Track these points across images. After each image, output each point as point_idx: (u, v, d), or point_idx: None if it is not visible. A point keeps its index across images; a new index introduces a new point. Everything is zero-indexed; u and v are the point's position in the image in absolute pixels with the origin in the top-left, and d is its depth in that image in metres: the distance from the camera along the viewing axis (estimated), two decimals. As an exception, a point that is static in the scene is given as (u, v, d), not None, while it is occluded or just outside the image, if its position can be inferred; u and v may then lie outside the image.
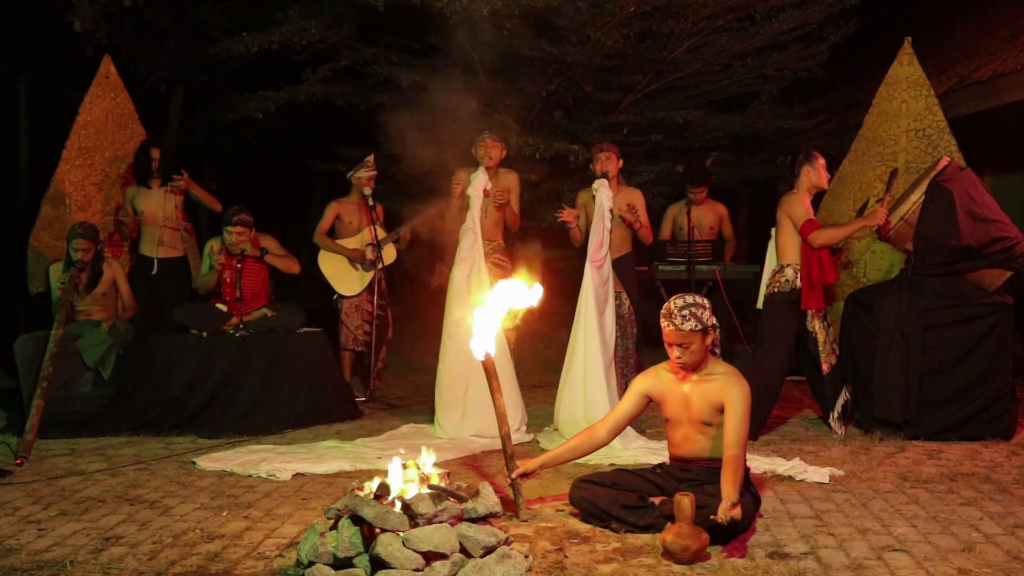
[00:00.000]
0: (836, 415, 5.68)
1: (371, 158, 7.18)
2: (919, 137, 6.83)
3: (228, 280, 6.33)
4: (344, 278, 7.17)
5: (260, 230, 6.54)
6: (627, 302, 6.33)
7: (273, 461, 5.05)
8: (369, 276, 7.13)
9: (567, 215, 6.31)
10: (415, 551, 3.23)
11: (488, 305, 4.17)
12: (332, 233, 7.23)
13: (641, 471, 4.17)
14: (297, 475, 4.85)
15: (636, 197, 6.48)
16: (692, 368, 3.96)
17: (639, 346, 6.72)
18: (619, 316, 6.18)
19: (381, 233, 7.07)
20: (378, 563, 3.22)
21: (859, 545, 3.67)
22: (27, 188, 9.48)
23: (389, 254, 7.19)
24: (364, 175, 7.10)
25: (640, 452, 5.19)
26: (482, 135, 6.29)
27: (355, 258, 7.13)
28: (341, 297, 7.18)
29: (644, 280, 7.41)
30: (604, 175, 6.17)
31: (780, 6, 8.44)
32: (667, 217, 7.91)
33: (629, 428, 4.99)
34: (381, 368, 7.44)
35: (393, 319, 7.39)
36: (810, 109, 9.54)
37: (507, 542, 3.45)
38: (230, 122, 9.50)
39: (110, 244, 7.17)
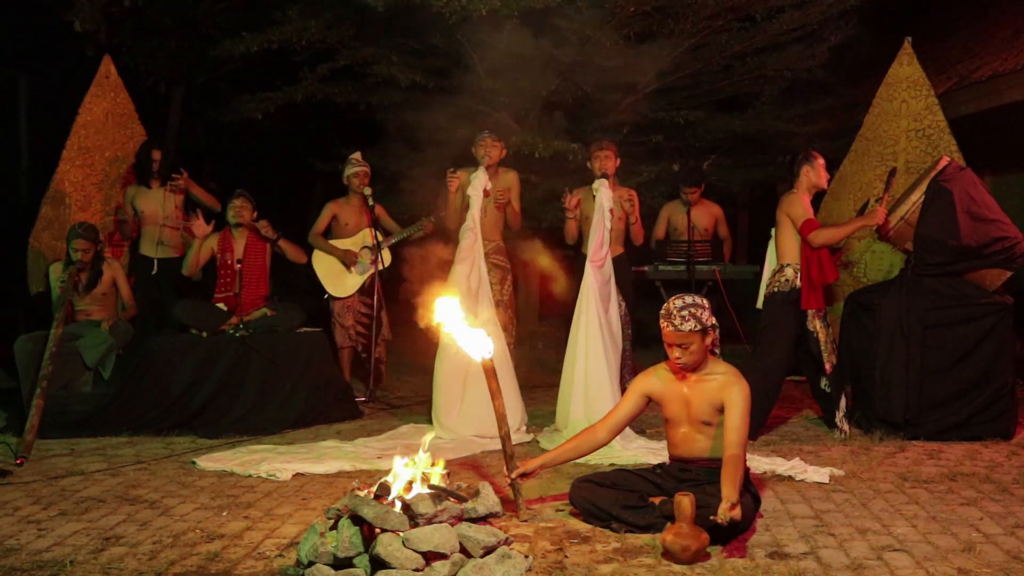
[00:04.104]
0: (842, 414, 5.67)
1: (357, 155, 7.17)
2: (919, 137, 6.83)
3: (228, 263, 6.36)
4: (337, 279, 7.16)
5: None
6: (622, 303, 6.33)
7: (273, 461, 5.05)
8: (363, 278, 7.11)
9: (570, 200, 6.31)
10: (415, 551, 3.23)
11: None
12: (329, 234, 7.21)
13: (641, 471, 4.17)
14: (297, 475, 4.86)
15: (632, 194, 6.51)
16: (692, 368, 3.96)
17: (634, 347, 6.73)
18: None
19: (381, 236, 7.06)
20: (378, 563, 3.22)
21: (859, 545, 3.67)
22: (27, 188, 9.48)
23: (385, 257, 7.18)
24: (350, 172, 7.10)
25: (640, 452, 5.19)
26: (482, 135, 6.29)
27: (347, 260, 7.10)
28: (332, 297, 7.17)
29: (639, 280, 7.42)
30: (603, 174, 6.18)
31: (780, 7, 8.43)
32: (661, 217, 7.90)
33: (629, 428, 4.99)
34: (381, 366, 7.44)
35: (390, 320, 7.38)
36: (810, 110, 9.54)
37: (507, 542, 3.45)
38: (230, 122, 9.50)
39: (110, 244, 7.18)
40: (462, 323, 4.14)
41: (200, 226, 6.41)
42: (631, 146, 8.85)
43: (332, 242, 7.15)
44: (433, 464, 3.69)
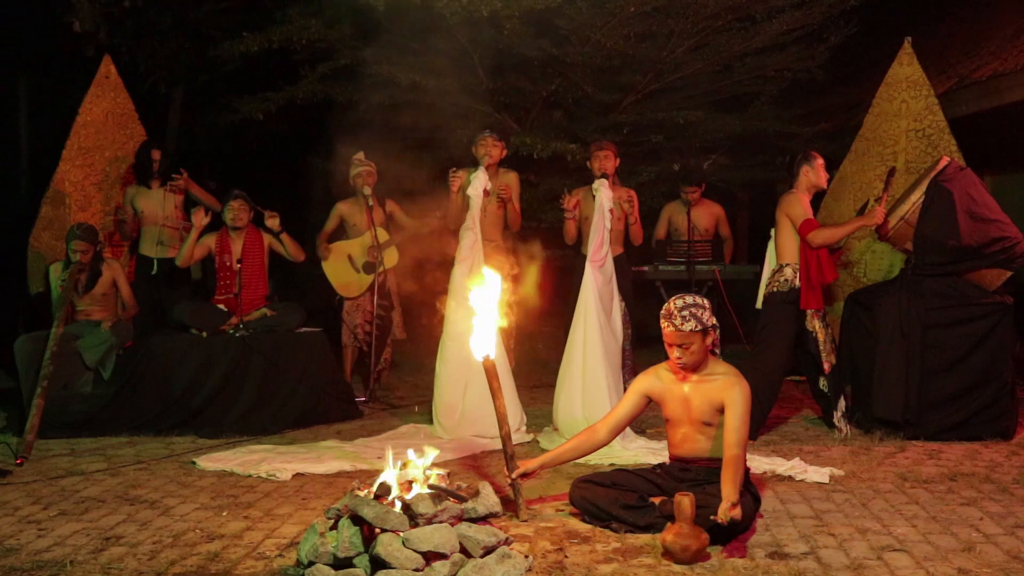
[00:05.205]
0: (840, 413, 5.68)
1: (360, 155, 7.16)
2: (919, 137, 6.83)
3: (227, 264, 6.36)
4: (346, 280, 7.16)
5: (260, 226, 6.59)
6: (622, 303, 6.33)
7: (273, 461, 5.05)
8: (370, 279, 7.11)
9: (569, 202, 6.30)
10: (415, 551, 3.23)
11: (477, 301, 4.18)
12: (341, 234, 7.22)
13: (641, 471, 4.17)
14: (297, 475, 4.86)
15: (631, 195, 6.51)
16: (692, 368, 3.96)
17: (634, 347, 6.73)
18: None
19: (383, 236, 7.06)
20: (378, 563, 3.22)
21: (859, 545, 3.67)
22: (27, 188, 9.48)
23: (391, 257, 7.17)
24: (354, 172, 7.10)
25: (640, 452, 5.19)
26: (483, 134, 6.29)
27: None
28: (343, 297, 7.19)
29: (639, 280, 7.42)
30: (603, 174, 6.18)
31: (780, 7, 8.43)
32: (662, 217, 7.90)
33: (629, 428, 4.99)
34: (384, 369, 7.43)
35: (403, 321, 7.38)
36: (810, 110, 9.54)
37: (507, 542, 3.45)
38: (231, 124, 9.51)
39: (110, 244, 7.18)
40: (485, 313, 4.15)
41: (199, 216, 6.40)
42: (631, 146, 8.84)
43: (341, 242, 7.16)
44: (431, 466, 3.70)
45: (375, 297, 7.05)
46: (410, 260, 7.22)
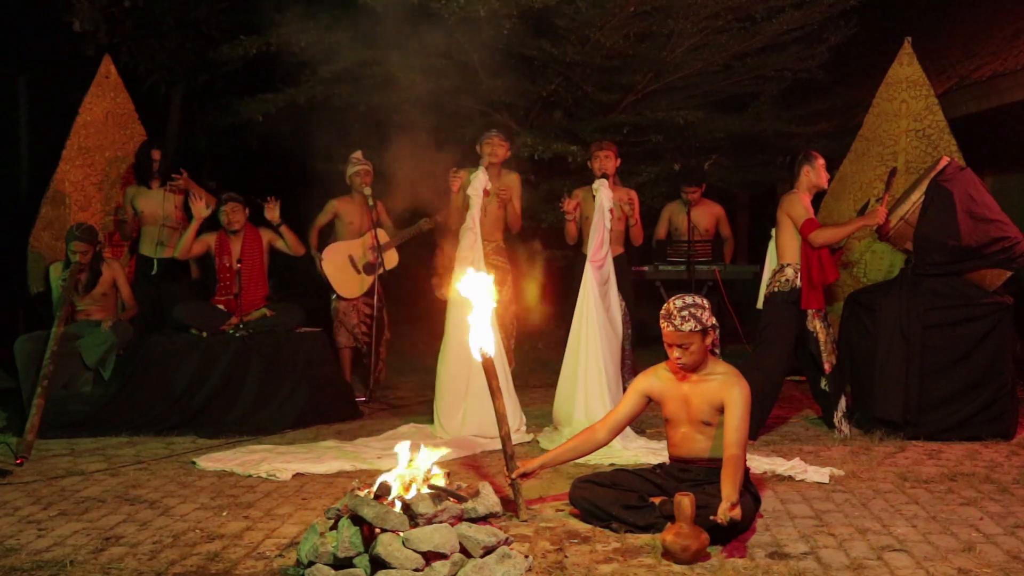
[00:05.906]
0: (840, 413, 5.68)
1: (358, 154, 7.15)
2: (919, 137, 6.83)
3: (227, 265, 6.36)
4: (345, 280, 7.15)
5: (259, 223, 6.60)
6: (622, 303, 6.33)
7: (273, 461, 5.05)
8: (370, 279, 7.11)
9: (568, 204, 6.32)
10: (415, 551, 3.23)
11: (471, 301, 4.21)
12: (333, 232, 7.21)
13: (641, 471, 4.17)
14: (297, 475, 4.86)
15: (632, 196, 6.53)
16: (692, 368, 3.96)
17: (634, 347, 6.73)
18: (613, 316, 6.17)
19: (384, 237, 7.05)
20: (378, 563, 3.22)
21: (859, 545, 3.67)
22: (27, 188, 9.49)
23: (391, 258, 7.17)
24: (351, 171, 7.09)
25: (640, 452, 5.19)
26: (489, 133, 6.30)
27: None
28: (339, 297, 7.17)
29: (639, 280, 7.42)
30: (603, 174, 6.18)
31: (780, 7, 8.44)
32: (663, 217, 7.90)
33: (629, 428, 4.99)
34: (382, 368, 7.43)
35: (390, 321, 7.38)
36: (810, 110, 9.54)
37: (507, 542, 3.45)
38: (231, 124, 9.51)
39: (110, 244, 7.18)
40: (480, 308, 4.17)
41: (199, 207, 6.40)
42: (631, 146, 8.84)
43: (342, 242, 7.14)
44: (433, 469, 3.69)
45: (368, 297, 7.04)
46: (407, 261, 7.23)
